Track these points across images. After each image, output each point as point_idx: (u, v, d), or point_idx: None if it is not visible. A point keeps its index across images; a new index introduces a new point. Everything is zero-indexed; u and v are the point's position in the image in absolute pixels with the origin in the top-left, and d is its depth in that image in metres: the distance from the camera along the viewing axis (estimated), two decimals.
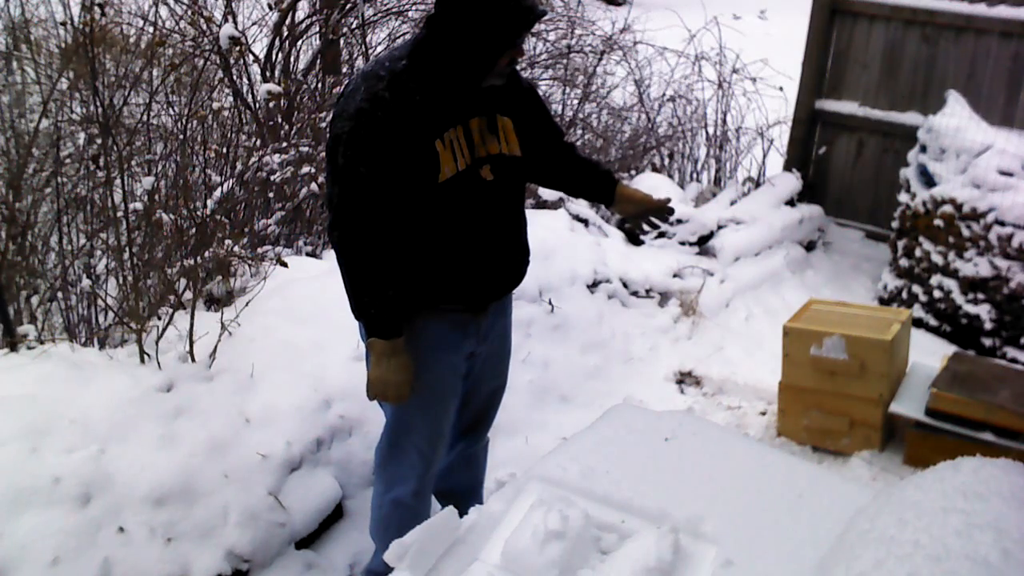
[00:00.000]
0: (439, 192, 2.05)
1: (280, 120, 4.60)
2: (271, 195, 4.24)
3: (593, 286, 4.37)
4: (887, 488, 1.83)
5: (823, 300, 3.92)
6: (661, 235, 5.02)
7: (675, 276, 4.69)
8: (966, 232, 4.32)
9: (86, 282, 3.25)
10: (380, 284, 2.06)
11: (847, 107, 5.48)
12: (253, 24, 5.34)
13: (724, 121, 6.05)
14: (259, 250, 3.79)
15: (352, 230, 2.03)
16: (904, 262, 4.67)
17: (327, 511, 2.79)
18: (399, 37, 5.84)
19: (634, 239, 5.05)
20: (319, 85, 5.31)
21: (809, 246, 5.47)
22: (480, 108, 2.11)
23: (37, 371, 2.64)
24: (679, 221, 5.03)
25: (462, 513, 1.80)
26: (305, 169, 4.09)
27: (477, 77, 2.04)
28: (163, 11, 4.67)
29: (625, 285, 4.52)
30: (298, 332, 3.12)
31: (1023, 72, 4.85)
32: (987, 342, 4.33)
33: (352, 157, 1.99)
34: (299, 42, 5.36)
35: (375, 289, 2.06)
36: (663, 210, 2.54)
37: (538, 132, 2.31)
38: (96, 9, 3.18)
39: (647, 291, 4.58)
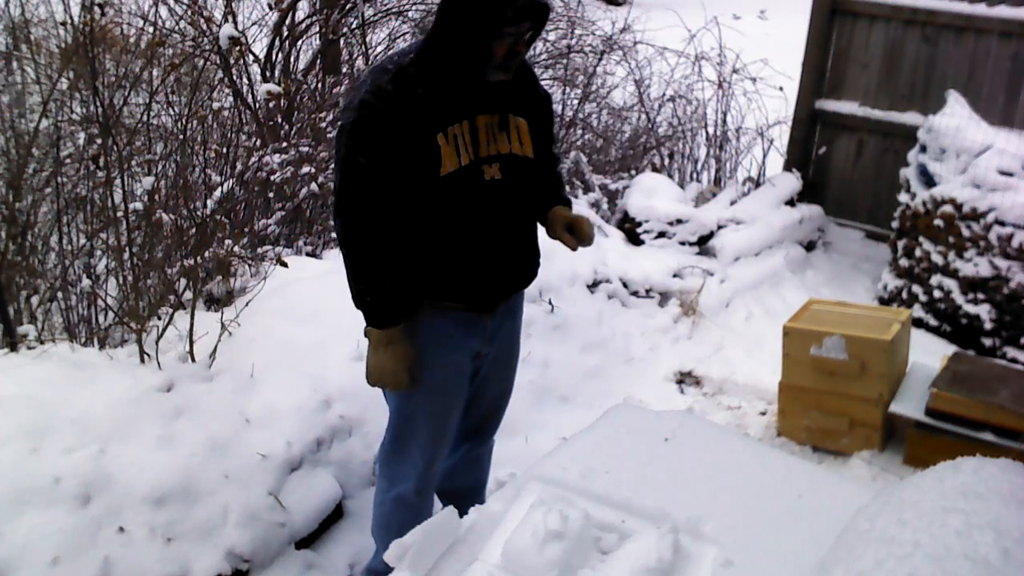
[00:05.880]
0: (441, 186, 2.05)
1: (280, 120, 4.61)
2: (271, 195, 4.24)
3: (593, 286, 4.37)
4: (887, 488, 1.83)
5: (823, 300, 3.92)
6: (661, 235, 5.03)
7: (675, 276, 4.69)
8: (966, 232, 4.32)
9: (86, 282, 3.25)
10: (377, 273, 2.09)
11: (847, 107, 5.48)
12: (253, 24, 5.34)
13: (724, 121, 6.05)
14: (259, 250, 3.79)
15: (350, 219, 2.07)
16: (904, 262, 4.67)
17: (327, 511, 2.79)
18: (399, 37, 5.85)
19: (634, 239, 5.05)
20: (319, 85, 5.31)
21: (809, 246, 5.47)
22: (490, 106, 2.09)
23: (37, 371, 2.64)
24: (679, 221, 5.04)
25: (463, 513, 1.80)
26: (305, 169, 4.09)
27: (474, 70, 2.02)
28: (163, 11, 4.67)
29: (625, 285, 4.52)
30: (298, 332, 3.12)
31: (1023, 72, 4.85)
32: (987, 342, 4.33)
33: (353, 147, 2.02)
34: (299, 42, 5.36)
35: (372, 278, 2.09)
36: (584, 229, 2.24)
37: (541, 140, 2.29)
38: (96, 9, 3.18)
39: (647, 291, 4.58)
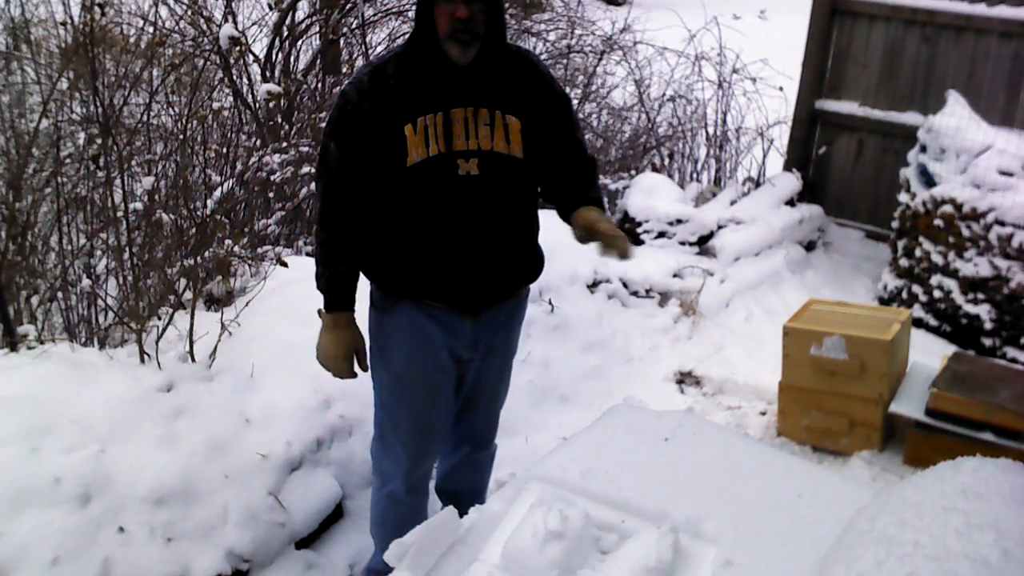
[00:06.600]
0: (408, 177, 2.05)
1: (280, 120, 4.61)
2: (271, 195, 4.24)
3: (593, 286, 4.37)
4: (887, 488, 1.83)
5: (823, 300, 3.92)
6: (661, 235, 5.03)
7: (675, 276, 4.69)
8: (966, 232, 4.32)
9: (86, 282, 3.25)
10: (333, 258, 2.15)
11: (847, 107, 5.48)
12: (253, 24, 5.34)
13: (724, 121, 6.05)
14: (259, 250, 3.79)
15: (320, 204, 2.15)
16: (904, 262, 4.67)
17: (327, 511, 2.79)
18: (399, 37, 5.84)
19: (634, 239, 5.05)
20: (319, 85, 5.31)
21: (809, 246, 5.47)
22: (469, 99, 2.06)
23: (37, 371, 2.64)
24: (679, 221, 5.04)
25: (463, 514, 1.80)
26: (305, 169, 4.09)
27: (430, 46, 2.00)
28: (163, 11, 4.68)
29: (625, 285, 4.52)
30: (298, 332, 3.11)
31: (1023, 72, 4.85)
32: (987, 342, 4.33)
33: (327, 135, 2.10)
34: (299, 42, 5.36)
35: (328, 262, 2.15)
36: (609, 242, 2.04)
37: (554, 142, 2.20)
38: (96, 9, 3.18)
39: (647, 291, 4.58)
